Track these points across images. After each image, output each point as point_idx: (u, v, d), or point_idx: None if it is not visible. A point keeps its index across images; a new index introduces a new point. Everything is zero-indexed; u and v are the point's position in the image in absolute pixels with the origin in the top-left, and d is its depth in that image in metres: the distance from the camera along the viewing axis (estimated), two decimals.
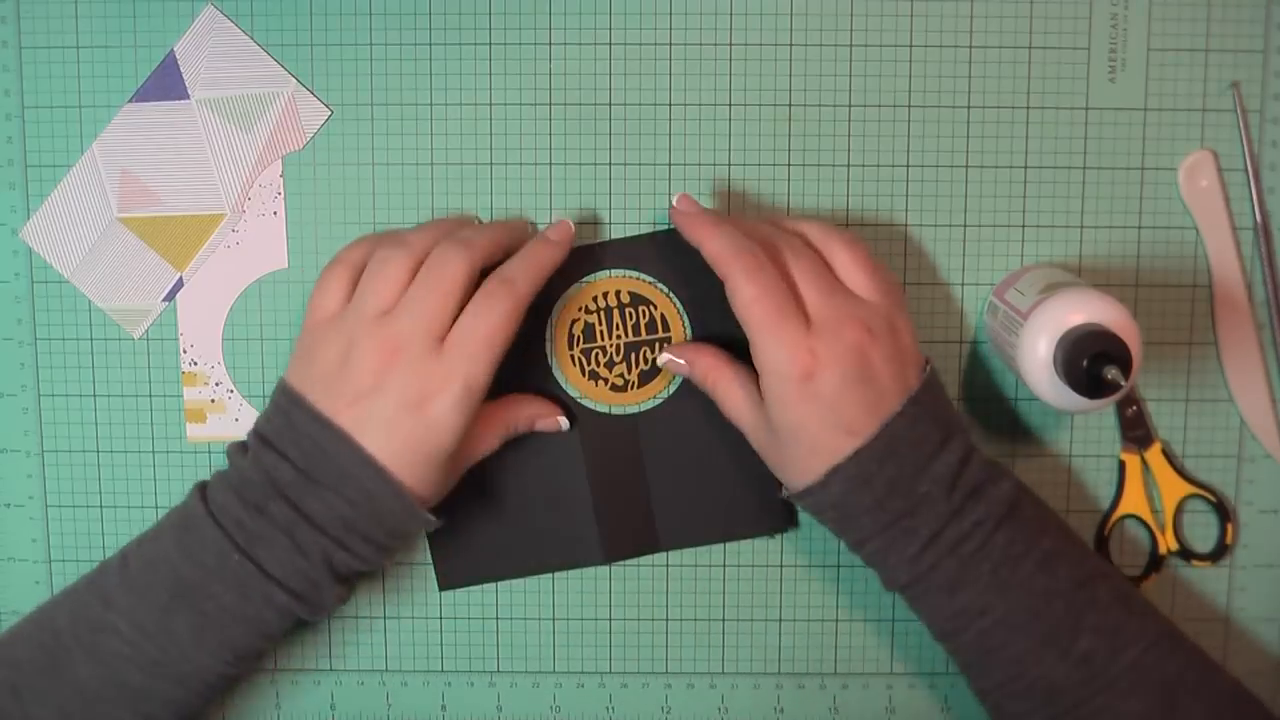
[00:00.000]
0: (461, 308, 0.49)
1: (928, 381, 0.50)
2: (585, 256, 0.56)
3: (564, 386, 0.56)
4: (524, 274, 0.51)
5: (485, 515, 0.57)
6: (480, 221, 0.56)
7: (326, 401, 0.49)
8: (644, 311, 0.56)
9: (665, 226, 0.56)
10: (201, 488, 0.51)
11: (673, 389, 0.57)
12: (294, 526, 0.48)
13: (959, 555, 0.48)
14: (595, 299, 0.56)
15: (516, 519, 0.57)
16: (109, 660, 0.49)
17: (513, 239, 0.53)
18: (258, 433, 0.50)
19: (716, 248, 0.50)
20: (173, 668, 0.49)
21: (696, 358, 0.53)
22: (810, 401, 0.48)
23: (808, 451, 0.49)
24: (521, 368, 0.55)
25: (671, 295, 0.56)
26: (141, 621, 0.49)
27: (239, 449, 0.51)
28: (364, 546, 0.49)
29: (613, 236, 0.57)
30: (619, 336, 0.56)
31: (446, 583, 0.58)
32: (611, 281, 0.56)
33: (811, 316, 0.48)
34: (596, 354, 0.56)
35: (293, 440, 0.49)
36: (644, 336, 0.56)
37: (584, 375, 0.56)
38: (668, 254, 0.56)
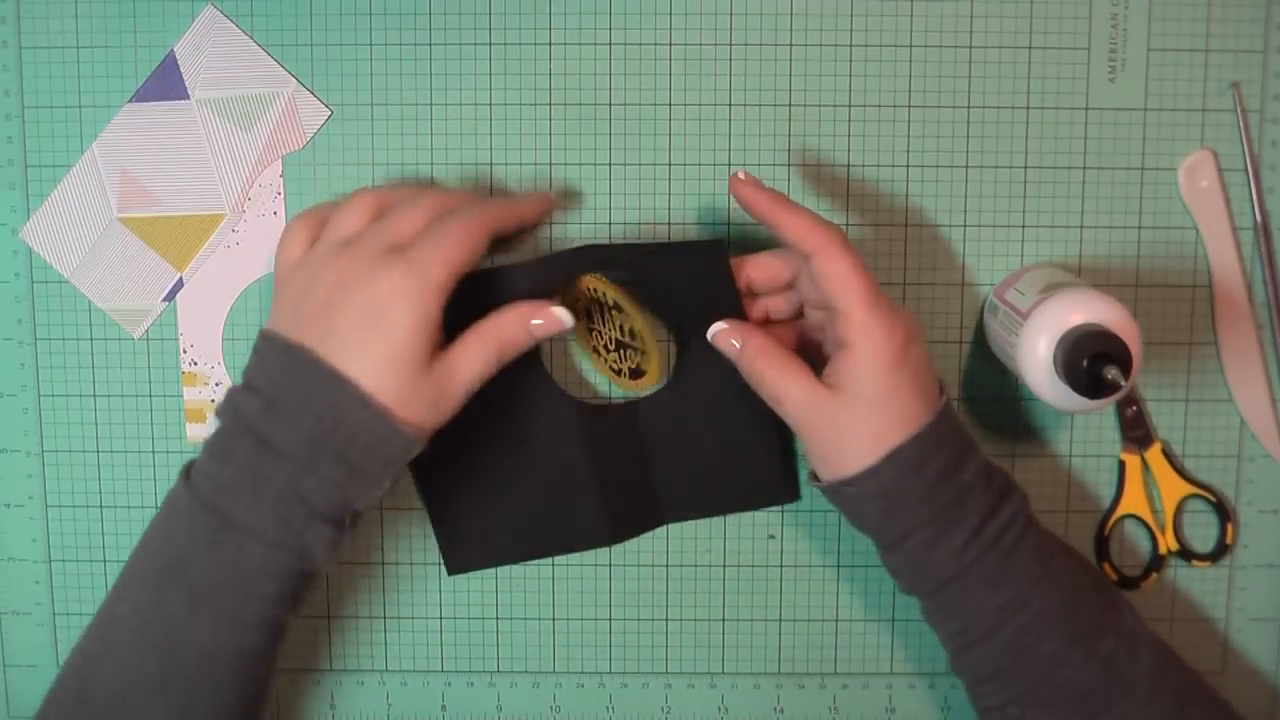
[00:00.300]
0: (425, 225, 0.49)
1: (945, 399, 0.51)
2: (566, 260, 0.53)
3: (554, 380, 0.56)
4: (497, 207, 0.50)
5: (489, 499, 0.56)
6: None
7: (293, 328, 0.48)
8: (625, 321, 0.54)
9: (659, 240, 0.56)
10: (187, 466, 0.50)
11: (655, 389, 0.56)
12: (258, 462, 0.47)
13: (1001, 546, 0.49)
14: (587, 289, 0.54)
15: (520, 502, 0.56)
16: (124, 654, 0.49)
17: (494, 207, 0.51)
18: (241, 378, 0.50)
19: (804, 224, 0.49)
20: (181, 650, 0.48)
21: (749, 337, 0.51)
22: (904, 370, 0.48)
23: (884, 424, 0.48)
24: (514, 370, 0.53)
25: (638, 302, 0.54)
26: (141, 607, 0.48)
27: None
28: (335, 468, 0.47)
29: (612, 239, 0.57)
30: (611, 330, 0.55)
31: (454, 567, 0.58)
32: (601, 282, 0.54)
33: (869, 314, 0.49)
34: (598, 333, 0.56)
35: (262, 372, 0.48)
36: (628, 340, 0.55)
37: (589, 348, 0.56)
38: (652, 261, 0.54)
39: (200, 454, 0.49)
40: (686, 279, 0.53)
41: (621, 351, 0.55)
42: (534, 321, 0.50)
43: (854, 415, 0.49)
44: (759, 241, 0.56)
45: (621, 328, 0.54)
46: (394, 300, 0.47)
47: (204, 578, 0.48)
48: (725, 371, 0.53)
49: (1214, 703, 0.51)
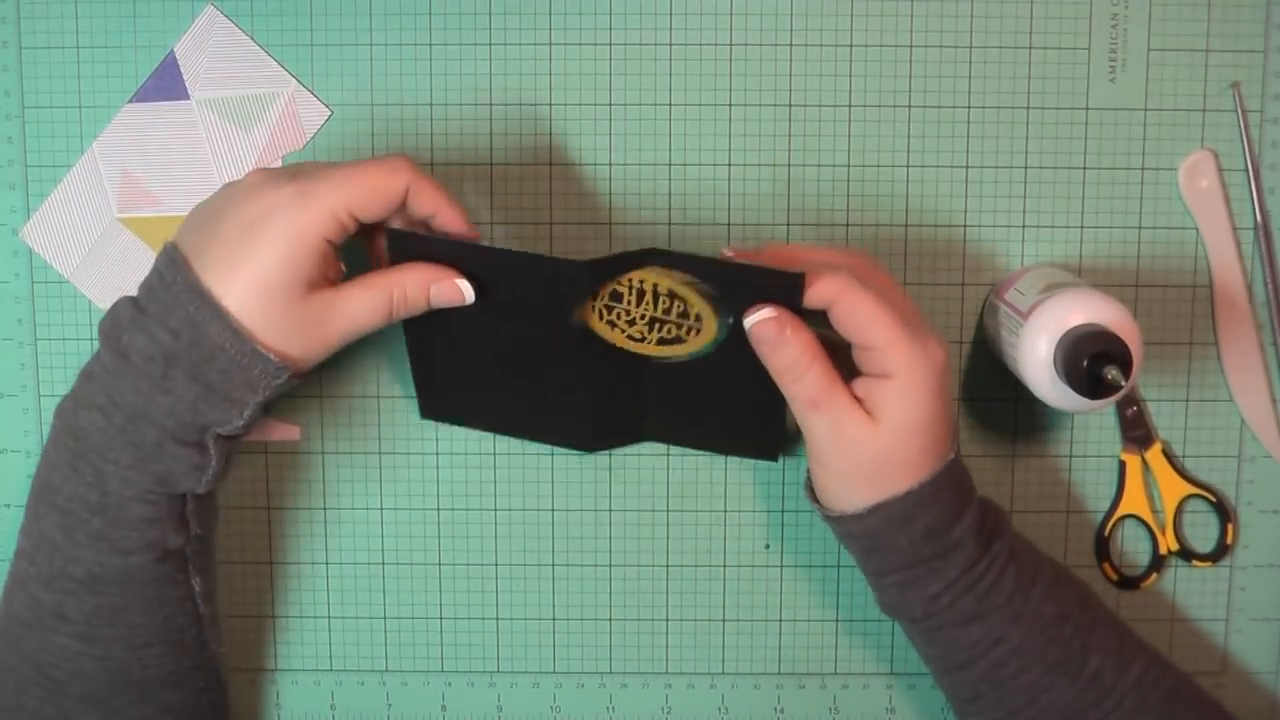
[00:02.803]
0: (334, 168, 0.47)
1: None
2: (636, 257, 0.50)
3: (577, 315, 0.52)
4: (419, 172, 0.47)
5: (474, 364, 0.54)
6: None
7: (183, 242, 0.47)
8: (678, 304, 0.51)
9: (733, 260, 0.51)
10: None
11: (688, 357, 0.53)
12: (113, 379, 0.46)
13: (977, 591, 0.49)
14: (630, 279, 0.50)
15: (510, 386, 0.55)
16: (25, 584, 0.49)
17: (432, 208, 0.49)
18: None
19: (810, 279, 0.47)
20: (67, 577, 0.48)
21: (799, 332, 0.48)
22: (942, 395, 0.48)
23: (873, 472, 0.48)
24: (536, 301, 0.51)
25: (711, 304, 0.51)
26: (29, 533, 0.48)
27: None
28: (189, 387, 0.45)
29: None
30: (646, 309, 0.51)
31: (428, 412, 0.57)
32: (654, 273, 0.50)
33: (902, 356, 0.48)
34: (620, 312, 0.52)
35: (147, 282, 0.47)
36: (672, 318, 0.51)
37: (600, 319, 0.52)
38: (729, 281, 0.50)
39: None
40: (755, 304, 0.49)
41: (656, 325, 0.52)
42: (434, 287, 0.48)
43: (883, 446, 0.47)
44: (761, 243, 0.56)
45: (669, 310, 0.51)
46: (272, 218, 0.45)
47: (71, 501, 0.47)
48: (750, 357, 0.50)
49: (1203, 702, 0.51)
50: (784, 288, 0.48)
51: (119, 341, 0.46)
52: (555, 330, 0.52)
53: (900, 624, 0.52)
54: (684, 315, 0.51)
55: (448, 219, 0.49)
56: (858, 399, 0.48)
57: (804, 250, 0.50)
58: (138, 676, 0.50)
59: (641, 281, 0.50)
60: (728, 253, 0.50)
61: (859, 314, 0.47)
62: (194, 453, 0.47)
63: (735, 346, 0.50)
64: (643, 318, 0.52)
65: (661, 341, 0.52)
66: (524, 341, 0.53)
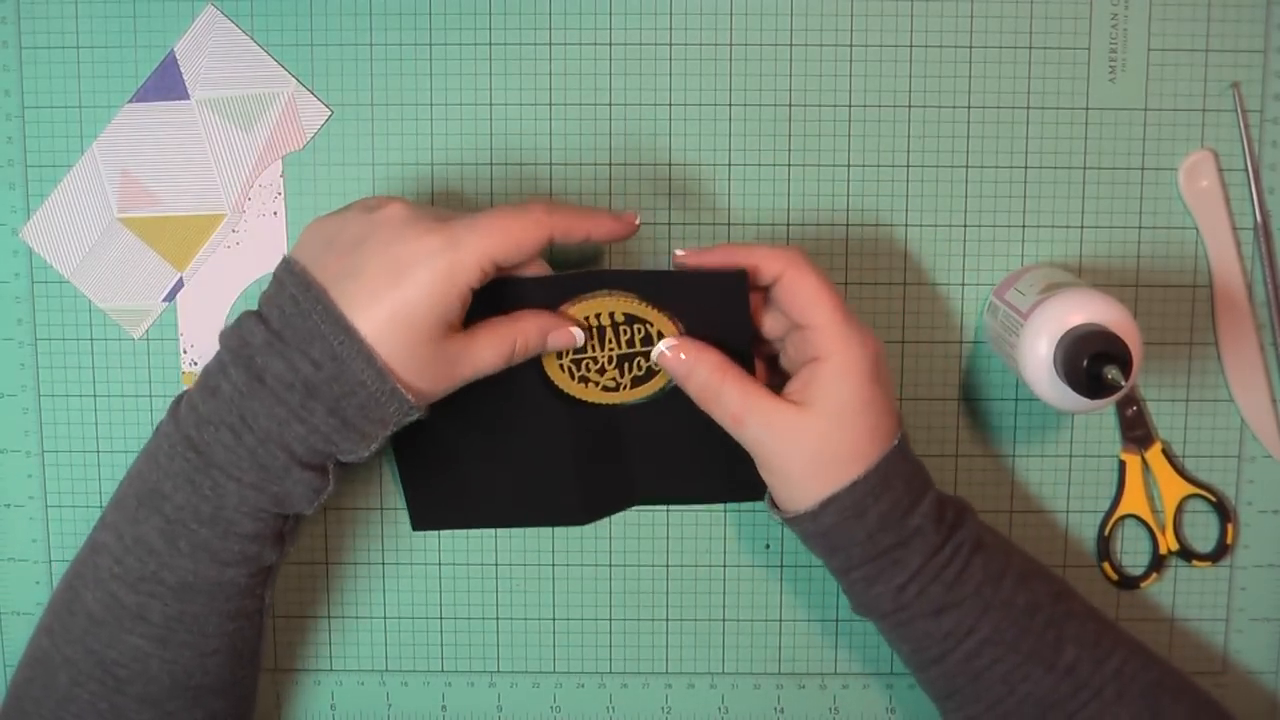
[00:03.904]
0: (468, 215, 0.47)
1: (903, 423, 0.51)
2: (582, 280, 0.52)
3: (553, 384, 0.54)
4: (562, 214, 0.48)
5: (463, 463, 0.55)
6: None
7: (314, 263, 0.46)
8: (639, 328, 0.52)
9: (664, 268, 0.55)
10: (184, 392, 0.49)
11: (665, 389, 0.54)
12: (246, 400, 0.46)
13: (943, 580, 0.49)
14: (586, 319, 0.51)
15: (496, 474, 0.56)
16: (105, 582, 0.48)
17: (583, 217, 0.50)
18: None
19: (761, 251, 0.49)
20: (158, 581, 0.48)
21: (702, 354, 0.50)
22: (878, 382, 0.49)
23: (812, 476, 0.49)
24: (509, 370, 0.52)
25: (666, 314, 0.52)
26: (122, 534, 0.48)
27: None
28: (327, 420, 0.46)
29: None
30: (611, 349, 0.53)
31: (420, 523, 0.57)
32: (605, 301, 0.51)
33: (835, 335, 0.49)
34: (587, 363, 0.53)
35: (276, 303, 0.47)
36: (637, 349, 0.53)
37: (574, 379, 0.53)
38: (673, 292, 0.52)
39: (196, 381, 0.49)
40: (701, 308, 0.51)
41: (625, 364, 0.54)
42: (552, 334, 0.50)
43: (821, 432, 0.48)
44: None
45: (632, 340, 0.53)
46: (421, 262, 0.45)
47: (181, 511, 0.47)
48: None
49: (1189, 695, 0.51)
50: (727, 287, 0.50)
51: (252, 362, 0.46)
52: (535, 403, 0.54)
53: (875, 624, 0.52)
54: (647, 340, 0.52)
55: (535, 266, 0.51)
56: (789, 398, 0.49)
57: (745, 247, 0.50)
58: (197, 682, 0.50)
59: (598, 316, 0.51)
60: (680, 253, 0.51)
61: (803, 289, 0.49)
62: (316, 477, 0.48)
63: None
64: (610, 361, 0.53)
65: (636, 382, 0.53)
66: (506, 420, 0.54)
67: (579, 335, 0.51)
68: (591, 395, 0.54)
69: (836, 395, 0.48)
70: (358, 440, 0.47)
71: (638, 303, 0.51)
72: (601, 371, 0.53)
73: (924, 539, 0.49)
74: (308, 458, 0.47)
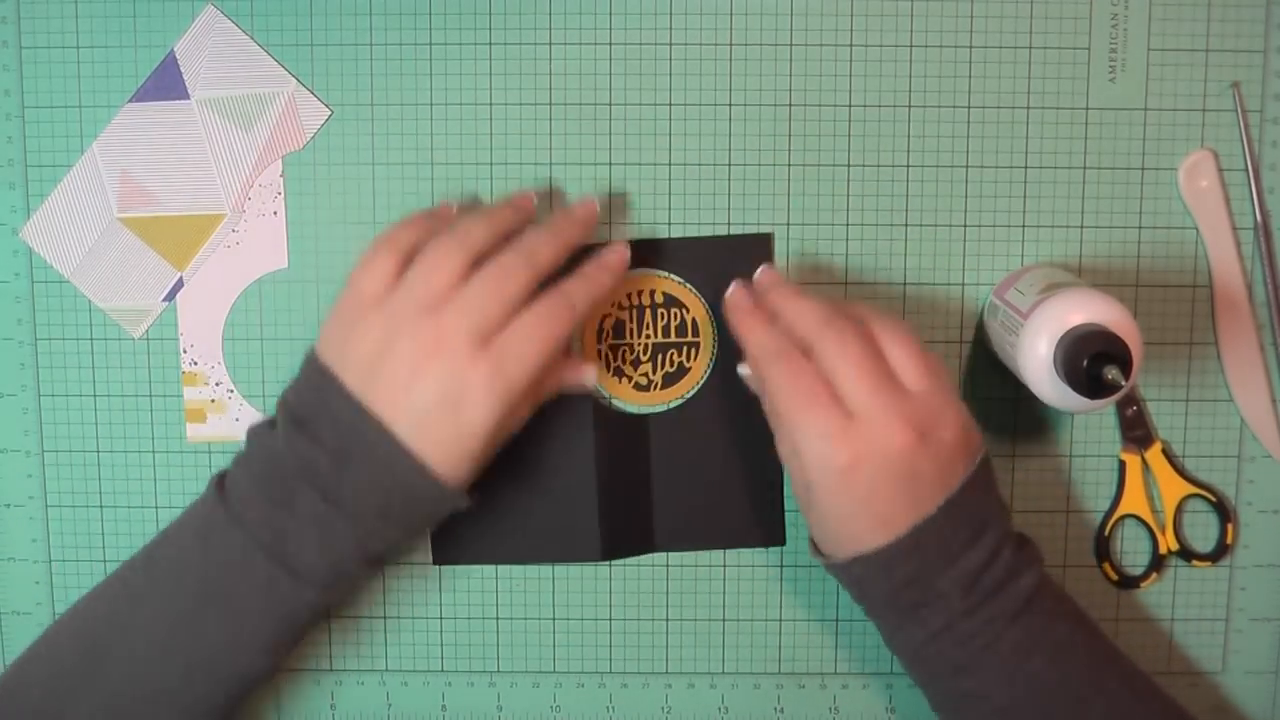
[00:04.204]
0: (512, 315, 0.49)
1: (972, 478, 0.48)
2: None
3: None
4: (583, 296, 0.51)
5: (487, 498, 0.56)
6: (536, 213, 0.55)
7: (363, 387, 0.48)
8: (675, 314, 0.56)
9: (704, 235, 0.56)
10: (219, 481, 0.50)
11: (691, 394, 0.57)
12: (324, 518, 0.48)
13: (967, 649, 0.48)
14: (630, 295, 0.56)
15: (519, 506, 0.57)
16: (143, 660, 0.49)
17: (569, 245, 0.52)
18: (290, 410, 0.49)
19: (754, 343, 0.51)
20: (209, 669, 0.49)
21: (790, 365, 0.50)
22: (846, 494, 0.47)
23: (838, 533, 0.49)
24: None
25: (704, 301, 0.56)
26: (172, 625, 0.49)
27: (266, 428, 0.50)
28: (398, 531, 0.49)
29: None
30: (648, 336, 0.56)
31: (441, 558, 0.58)
32: (647, 280, 0.56)
33: (857, 410, 0.47)
34: (624, 351, 0.56)
35: (329, 423, 0.48)
36: (673, 339, 0.56)
37: (609, 370, 0.57)
38: (706, 260, 0.56)
39: (241, 476, 0.49)
40: (730, 275, 0.54)
41: (659, 357, 0.56)
42: (569, 377, 0.54)
43: (818, 515, 0.49)
44: None
45: (668, 328, 0.56)
46: (476, 398, 0.47)
47: (251, 612, 0.49)
48: (740, 403, 0.53)
49: None
50: (757, 250, 0.55)
51: (325, 490, 0.48)
52: (565, 413, 0.55)
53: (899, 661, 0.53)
54: (682, 329, 0.55)
55: None
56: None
57: (792, 300, 0.51)
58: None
59: (640, 294, 0.55)
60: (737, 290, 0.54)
61: (765, 387, 0.50)
62: (376, 569, 0.51)
63: (727, 379, 0.55)
64: (645, 351, 0.56)
65: (667, 380, 0.56)
66: (536, 436, 0.55)
67: (589, 377, 0.54)
68: (623, 393, 0.56)
69: (810, 493, 0.49)
70: (419, 537, 0.52)
71: (676, 283, 0.55)
72: (636, 364, 0.56)
73: (947, 603, 0.48)
74: (376, 558, 0.50)
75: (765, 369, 0.49)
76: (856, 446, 0.47)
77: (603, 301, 0.55)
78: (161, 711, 0.49)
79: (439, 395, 0.47)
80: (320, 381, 0.49)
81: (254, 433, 0.50)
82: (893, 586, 0.48)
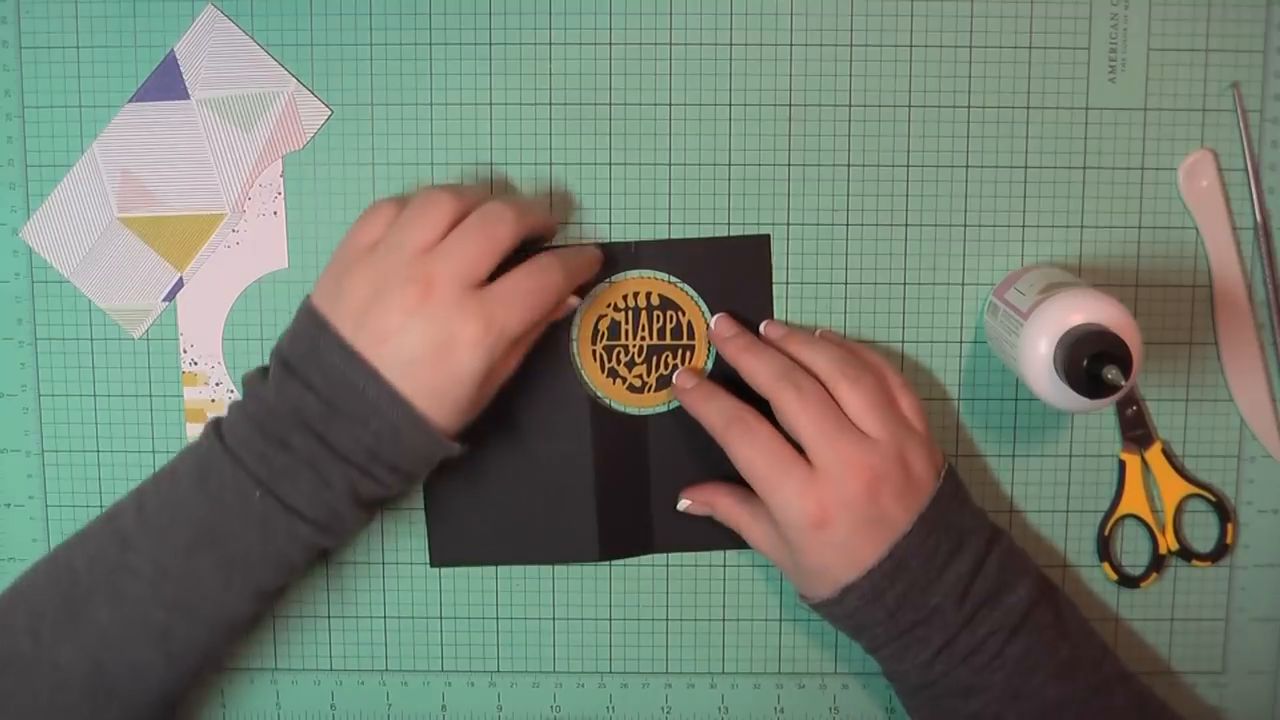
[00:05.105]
0: (498, 263, 0.49)
1: (939, 493, 0.50)
2: (619, 253, 0.56)
3: (583, 378, 0.56)
4: (574, 262, 0.52)
5: (485, 498, 0.57)
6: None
7: (354, 334, 0.48)
8: (671, 316, 0.56)
9: (703, 235, 0.56)
10: (216, 424, 0.50)
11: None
12: (317, 458, 0.48)
13: (971, 665, 0.49)
14: (625, 297, 0.56)
15: (517, 506, 0.57)
16: (130, 602, 0.49)
17: (556, 219, 0.55)
18: (281, 357, 0.49)
19: (708, 419, 0.53)
20: (197, 608, 0.49)
21: (715, 498, 0.55)
22: (825, 548, 0.49)
23: (825, 581, 0.50)
24: (542, 356, 0.55)
25: (700, 303, 0.56)
26: (164, 564, 0.49)
27: (258, 375, 0.50)
28: (389, 475, 0.49)
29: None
30: (643, 338, 0.56)
31: (439, 558, 0.58)
32: (642, 282, 0.56)
33: (816, 462, 0.49)
34: (619, 352, 0.56)
35: (318, 369, 0.48)
36: (668, 341, 0.56)
37: (603, 372, 0.57)
38: (702, 262, 0.56)
39: (237, 418, 0.49)
40: (727, 276, 0.55)
41: (654, 359, 0.56)
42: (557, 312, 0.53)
43: (804, 571, 0.51)
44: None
45: (663, 330, 0.56)
46: (467, 350, 0.47)
47: (245, 550, 0.49)
48: (743, 385, 0.53)
49: None
50: (755, 252, 0.56)
51: (316, 431, 0.48)
52: (563, 407, 0.56)
53: (911, 703, 0.53)
54: (677, 332, 0.55)
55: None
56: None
57: (788, 345, 0.54)
58: (179, 692, 0.52)
59: (635, 296, 0.55)
60: (763, 329, 0.56)
61: (735, 461, 0.51)
62: (368, 514, 0.51)
63: (724, 380, 0.55)
64: (640, 353, 0.56)
65: (661, 383, 0.56)
66: (533, 429, 0.56)
67: (573, 301, 0.54)
68: (618, 395, 0.56)
69: (792, 554, 0.51)
70: (411, 482, 0.51)
71: (672, 286, 0.55)
72: (630, 366, 0.56)
73: (944, 617, 0.49)
74: (369, 500, 0.50)
75: (722, 438, 0.52)
76: (823, 496, 0.49)
77: (587, 277, 0.54)
78: (144, 654, 0.49)
79: (428, 342, 0.47)
80: (312, 328, 0.49)
81: (249, 379, 0.50)
82: (887, 610, 0.49)
